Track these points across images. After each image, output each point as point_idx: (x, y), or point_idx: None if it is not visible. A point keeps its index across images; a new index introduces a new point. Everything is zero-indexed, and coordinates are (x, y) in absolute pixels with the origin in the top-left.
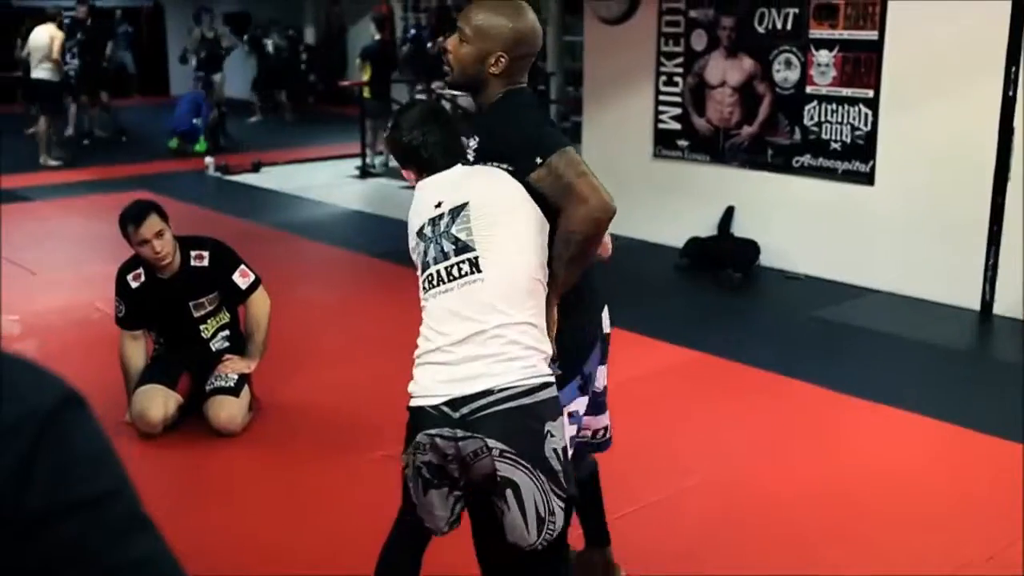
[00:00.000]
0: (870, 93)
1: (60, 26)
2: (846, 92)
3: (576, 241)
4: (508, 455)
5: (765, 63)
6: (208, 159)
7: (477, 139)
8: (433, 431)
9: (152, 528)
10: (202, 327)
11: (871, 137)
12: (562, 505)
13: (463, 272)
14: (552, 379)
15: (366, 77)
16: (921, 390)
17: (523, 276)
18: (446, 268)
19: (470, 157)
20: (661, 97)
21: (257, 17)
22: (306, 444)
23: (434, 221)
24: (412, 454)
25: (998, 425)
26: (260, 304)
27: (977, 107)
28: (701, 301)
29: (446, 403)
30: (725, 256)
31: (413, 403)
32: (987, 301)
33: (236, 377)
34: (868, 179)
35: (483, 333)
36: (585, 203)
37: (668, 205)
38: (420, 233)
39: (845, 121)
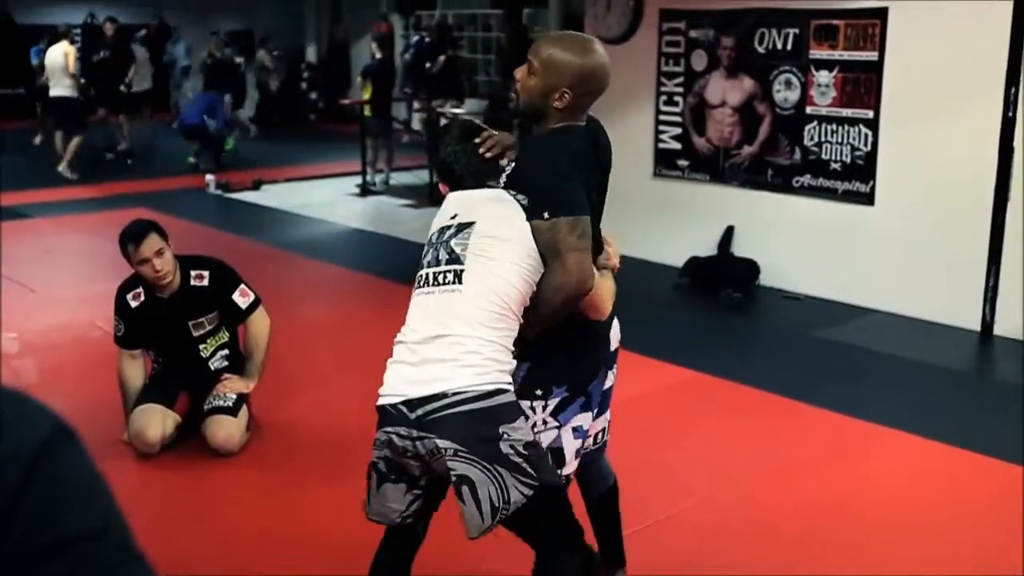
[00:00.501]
0: (870, 113)
1: (72, 42)
2: (846, 112)
3: (547, 301)
4: (461, 454)
5: (765, 83)
6: (209, 177)
7: (513, 164)
8: (390, 429)
9: (144, 563)
10: (201, 346)
11: (871, 157)
12: (528, 492)
13: (446, 280)
14: (508, 387)
15: (367, 95)
16: (921, 411)
17: (498, 301)
18: (434, 273)
19: (502, 179)
20: (661, 116)
21: (259, 35)
22: (304, 464)
23: (443, 230)
24: (375, 446)
25: (999, 447)
26: (260, 324)
27: (977, 128)
28: (701, 321)
29: (403, 403)
30: (725, 276)
31: (379, 401)
32: (987, 322)
33: (235, 397)
34: (868, 199)
35: (447, 338)
36: (566, 275)
37: (668, 224)
38: (430, 239)
39: (845, 141)
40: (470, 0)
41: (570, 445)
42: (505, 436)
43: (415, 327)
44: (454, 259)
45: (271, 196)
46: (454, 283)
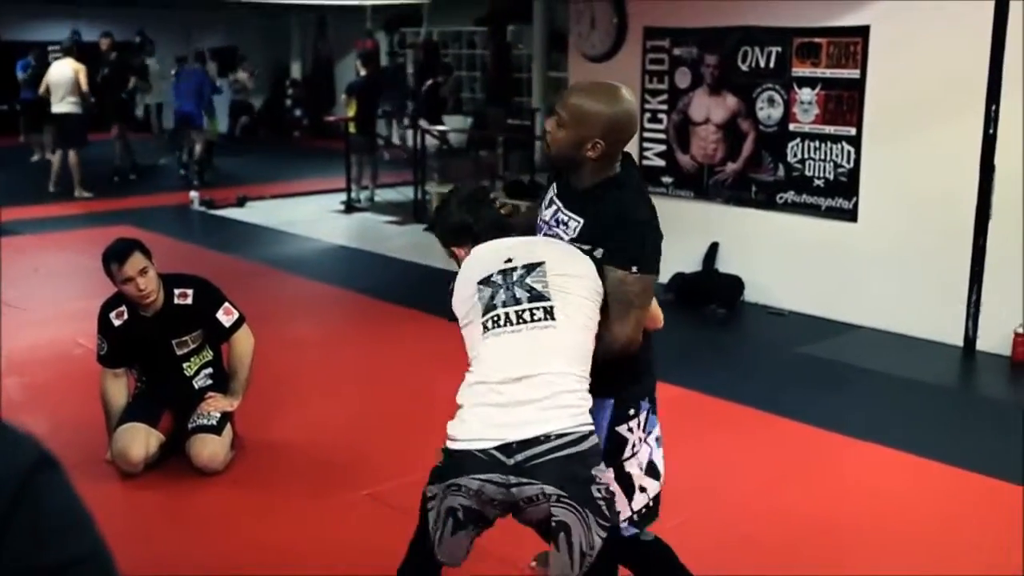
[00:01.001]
0: (852, 131)
1: (77, 59)
2: (829, 130)
3: (607, 348)
4: (564, 500)
5: (748, 101)
6: (193, 193)
7: (581, 221)
8: (483, 476)
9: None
10: (185, 365)
11: (854, 174)
12: (603, 535)
13: (536, 317)
14: (594, 429)
15: (351, 112)
16: (905, 426)
17: (589, 336)
18: (517, 311)
19: (566, 235)
20: (646, 134)
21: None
22: (289, 483)
23: (505, 272)
24: (445, 494)
25: (981, 462)
26: (244, 342)
27: (958, 145)
28: (685, 337)
29: (498, 448)
30: (709, 292)
31: (457, 446)
32: (970, 338)
33: (219, 415)
34: (851, 216)
35: (539, 377)
36: (632, 330)
37: None
38: (487, 281)
39: (828, 158)
40: (455, 17)
41: (659, 455)
42: (596, 479)
43: (498, 366)
44: (537, 296)
45: (256, 213)
46: (546, 319)
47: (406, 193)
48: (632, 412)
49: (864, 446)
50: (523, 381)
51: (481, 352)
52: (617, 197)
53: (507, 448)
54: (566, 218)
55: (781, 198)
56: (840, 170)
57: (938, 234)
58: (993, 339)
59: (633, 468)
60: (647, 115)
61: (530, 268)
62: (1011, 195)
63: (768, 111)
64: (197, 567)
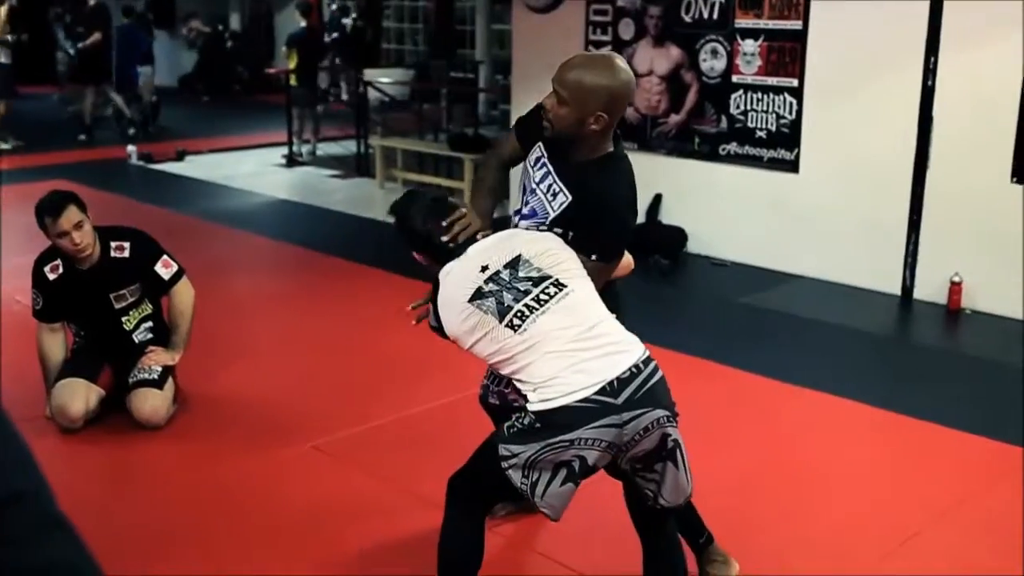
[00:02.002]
0: (795, 82)
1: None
2: (771, 81)
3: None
4: (672, 420)
5: (692, 52)
6: (130, 148)
7: (569, 198)
8: (598, 423)
9: (70, 531)
10: (124, 319)
11: (796, 126)
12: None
13: (552, 293)
14: None
15: (292, 65)
16: (845, 374)
17: (591, 288)
18: (533, 299)
19: (550, 208)
20: None
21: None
22: (233, 437)
23: (491, 279)
24: (546, 451)
25: (917, 407)
26: (184, 295)
27: (898, 96)
28: (629, 287)
29: (599, 392)
30: (653, 243)
31: (552, 404)
32: (908, 287)
33: (160, 369)
34: (793, 167)
35: (591, 328)
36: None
37: None
38: (478, 294)
39: (770, 110)
40: None
41: None
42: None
43: (554, 336)
44: (540, 279)
45: (196, 167)
46: (561, 290)
47: (348, 147)
48: None
49: (806, 393)
50: (584, 336)
51: (524, 343)
52: (608, 181)
53: (609, 389)
54: (557, 189)
55: (724, 149)
56: (782, 121)
57: (877, 185)
58: (930, 288)
59: None
60: None
61: (512, 264)
62: (948, 146)
63: (711, 62)
64: (140, 522)
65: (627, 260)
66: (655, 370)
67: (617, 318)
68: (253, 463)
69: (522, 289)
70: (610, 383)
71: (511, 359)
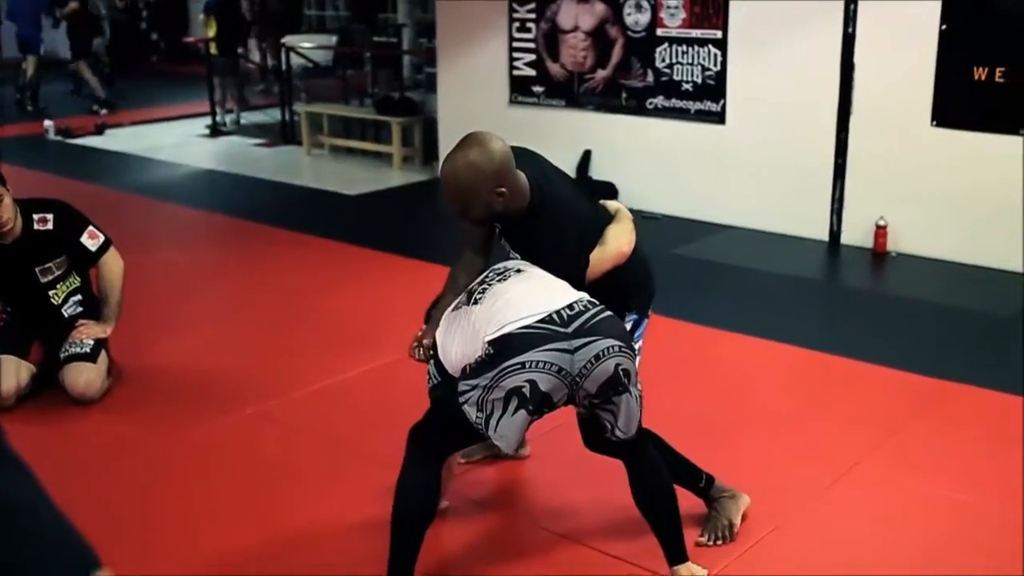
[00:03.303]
0: (718, 34)
1: None
2: (695, 34)
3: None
4: (624, 350)
5: (616, 7)
6: (47, 122)
7: (518, 256)
8: (548, 347)
9: (21, 468)
10: (51, 293)
11: (721, 77)
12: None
13: (511, 275)
14: None
15: (211, 33)
16: (778, 319)
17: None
18: (496, 278)
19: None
20: (515, 44)
21: None
22: (171, 407)
23: (467, 293)
24: (501, 377)
25: (846, 346)
26: (112, 266)
27: (820, 44)
28: None
29: (547, 320)
30: None
31: (502, 332)
32: (835, 232)
33: (92, 343)
34: (719, 118)
35: (545, 286)
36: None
37: None
38: (456, 305)
39: (696, 62)
40: None
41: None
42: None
43: (509, 288)
44: (505, 270)
45: (117, 140)
46: (520, 272)
47: (273, 115)
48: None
49: (740, 338)
50: (535, 288)
51: (485, 306)
52: (541, 233)
53: (558, 320)
54: (511, 252)
55: (651, 103)
56: (707, 73)
57: (803, 133)
58: (856, 232)
59: None
60: (516, 24)
61: (482, 280)
62: (871, 92)
63: (636, 16)
64: (78, 500)
65: (617, 250)
66: (605, 309)
67: (611, 299)
68: (194, 433)
69: (489, 281)
70: (558, 313)
71: (477, 331)
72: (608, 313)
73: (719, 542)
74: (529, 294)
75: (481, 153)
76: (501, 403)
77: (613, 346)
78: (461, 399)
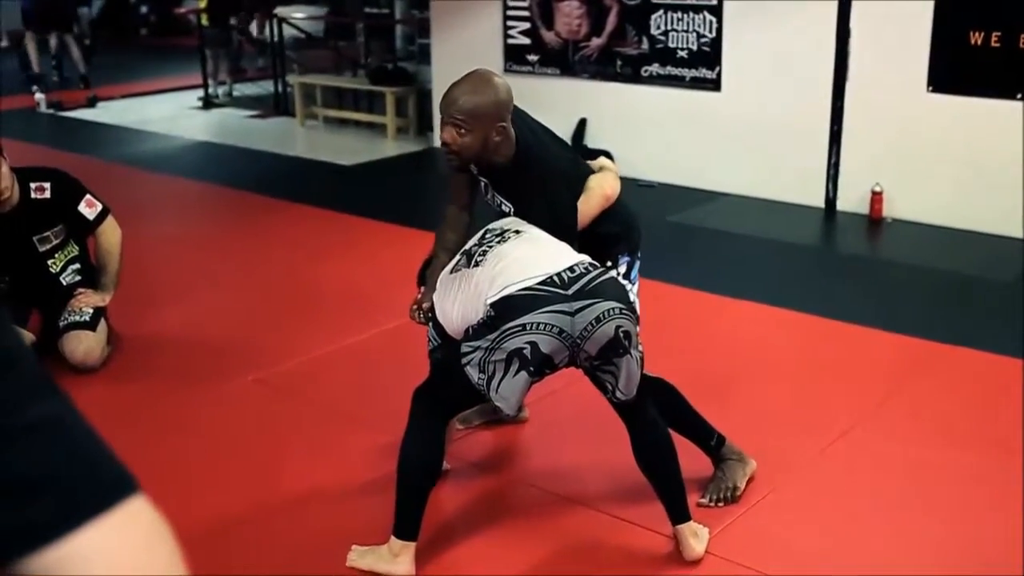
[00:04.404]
0: (714, 0)
1: None
2: (690, 0)
3: None
4: (624, 312)
5: None
6: (39, 95)
7: (512, 207)
8: (549, 308)
9: (59, 391)
10: (50, 262)
11: (716, 44)
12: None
13: (510, 236)
14: None
15: (203, 4)
16: (774, 284)
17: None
18: (496, 239)
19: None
20: (509, 12)
21: None
22: (172, 375)
23: (464, 253)
24: (503, 338)
25: (843, 311)
26: (110, 234)
27: (816, 10)
28: None
29: (547, 282)
30: None
31: (503, 294)
32: (831, 199)
33: (91, 311)
34: (715, 85)
35: (546, 247)
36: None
37: None
38: (455, 266)
39: (691, 29)
40: None
41: (636, 302)
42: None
43: (510, 251)
44: (503, 231)
45: (109, 113)
46: (519, 233)
47: (266, 87)
48: (608, 264)
49: (737, 303)
50: (536, 249)
51: (486, 268)
52: (532, 176)
53: (559, 282)
54: (503, 203)
55: (646, 71)
56: (703, 40)
57: (798, 99)
58: (852, 199)
59: None
60: None
61: (479, 238)
62: (866, 58)
63: None
64: None
65: (602, 193)
66: (606, 272)
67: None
68: (195, 400)
69: (488, 243)
70: (559, 275)
71: (479, 293)
72: (610, 275)
73: (720, 504)
74: (530, 256)
75: (493, 82)
76: (503, 364)
77: (614, 308)
78: (463, 360)
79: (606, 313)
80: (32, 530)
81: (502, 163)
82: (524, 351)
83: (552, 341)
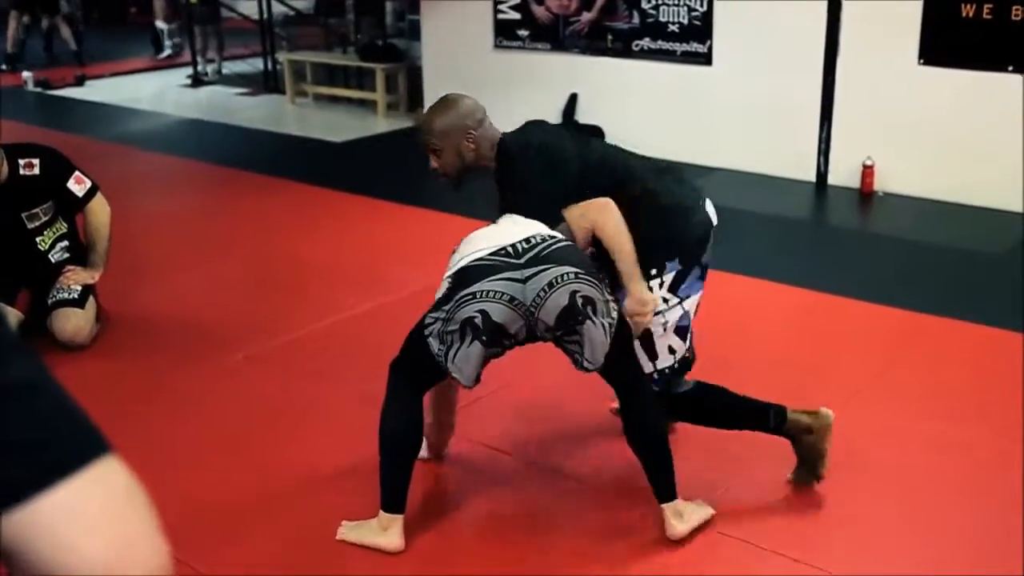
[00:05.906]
0: None
1: None
2: None
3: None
4: (581, 276)
5: None
6: (26, 74)
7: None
8: (499, 276)
9: (33, 355)
10: (38, 239)
11: (707, 18)
12: (616, 311)
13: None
14: None
15: None
16: (767, 259)
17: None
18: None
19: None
20: None
21: None
22: (161, 352)
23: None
24: (457, 308)
25: (837, 285)
26: (99, 211)
27: None
28: None
29: (500, 252)
30: None
31: (458, 266)
32: (822, 173)
33: (80, 288)
34: (706, 59)
35: (512, 218)
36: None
37: (511, 96)
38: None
39: (682, 3)
40: None
41: (688, 321)
42: (595, 266)
43: (480, 234)
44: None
45: (97, 91)
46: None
47: (255, 64)
48: (654, 272)
49: (728, 277)
50: (505, 221)
51: (458, 251)
52: (513, 175)
53: (512, 252)
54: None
55: (637, 45)
56: (694, 14)
57: (789, 73)
58: (843, 173)
59: (656, 327)
60: None
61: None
62: (858, 31)
63: None
64: None
65: (591, 217)
66: (562, 240)
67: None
68: (186, 377)
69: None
70: (512, 246)
71: (445, 270)
72: (566, 243)
73: (817, 481)
74: (492, 233)
75: (451, 100)
76: (457, 335)
77: (567, 273)
78: (425, 332)
79: (559, 279)
80: (6, 488)
81: (488, 164)
82: (475, 319)
83: (503, 309)
